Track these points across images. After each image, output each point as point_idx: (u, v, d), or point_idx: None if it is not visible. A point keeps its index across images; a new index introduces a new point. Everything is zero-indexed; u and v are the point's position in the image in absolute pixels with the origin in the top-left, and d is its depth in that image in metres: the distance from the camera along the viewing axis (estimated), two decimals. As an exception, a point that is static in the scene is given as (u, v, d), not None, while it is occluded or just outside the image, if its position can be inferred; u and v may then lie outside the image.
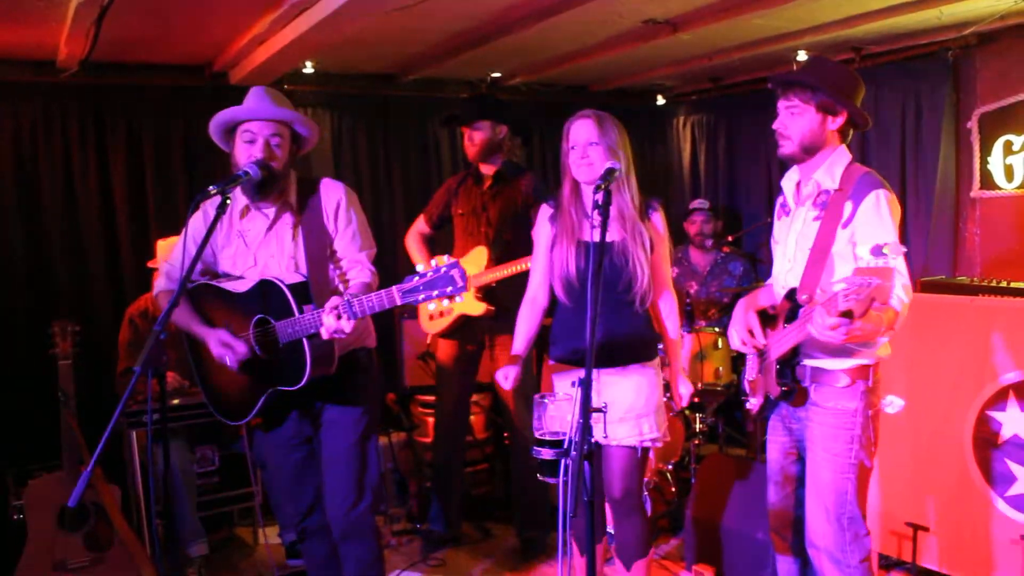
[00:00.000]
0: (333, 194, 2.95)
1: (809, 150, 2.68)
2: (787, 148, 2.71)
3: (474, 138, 4.19)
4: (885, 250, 2.38)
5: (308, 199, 2.93)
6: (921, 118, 5.05)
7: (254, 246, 2.93)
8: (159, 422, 2.46)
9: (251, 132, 2.82)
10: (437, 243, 4.45)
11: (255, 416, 2.94)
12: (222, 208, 2.58)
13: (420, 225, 4.40)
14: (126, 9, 3.57)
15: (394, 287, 2.59)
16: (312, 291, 2.79)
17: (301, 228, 2.89)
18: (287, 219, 2.92)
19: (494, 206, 4.19)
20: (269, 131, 2.81)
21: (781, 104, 2.70)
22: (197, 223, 2.91)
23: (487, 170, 4.25)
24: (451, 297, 2.55)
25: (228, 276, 2.99)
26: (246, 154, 2.81)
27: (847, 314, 2.20)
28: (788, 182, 2.84)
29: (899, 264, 2.48)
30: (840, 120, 2.66)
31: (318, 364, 2.76)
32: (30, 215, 4.67)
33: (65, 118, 4.72)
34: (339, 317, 2.58)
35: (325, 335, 2.63)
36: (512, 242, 4.15)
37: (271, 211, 2.92)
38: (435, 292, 2.52)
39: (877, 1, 4.01)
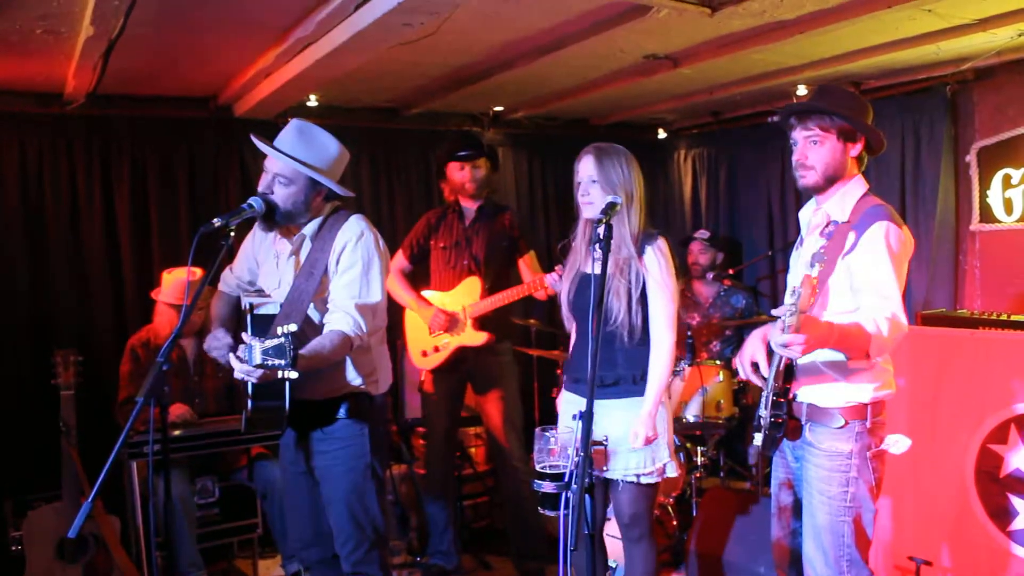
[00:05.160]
0: (346, 234, 2.87)
1: (832, 179, 2.63)
2: (810, 179, 2.64)
3: (478, 174, 4.27)
4: (815, 261, 2.41)
5: (327, 234, 2.89)
6: (920, 152, 5.08)
7: (282, 269, 2.97)
8: (160, 453, 2.47)
9: (266, 165, 2.86)
10: (414, 277, 4.44)
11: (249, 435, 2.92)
12: (226, 238, 2.60)
13: (399, 262, 4.37)
14: (133, 44, 3.61)
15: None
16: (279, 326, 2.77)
17: (305, 261, 2.90)
18: (304, 249, 2.93)
19: (478, 240, 4.27)
20: (277, 168, 2.83)
21: (799, 134, 2.64)
22: (249, 238, 3.11)
23: (470, 206, 4.33)
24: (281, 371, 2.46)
25: (260, 292, 3.03)
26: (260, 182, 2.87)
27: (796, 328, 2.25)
28: (804, 213, 2.81)
29: (889, 294, 2.46)
30: (859, 146, 2.63)
31: (260, 397, 2.75)
32: (35, 245, 4.68)
33: (71, 149, 4.75)
34: (241, 361, 2.53)
35: (235, 376, 2.60)
36: (500, 275, 4.25)
37: (292, 239, 2.94)
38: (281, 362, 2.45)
39: (876, 36, 4.05)
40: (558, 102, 5.42)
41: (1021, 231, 4.67)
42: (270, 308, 2.89)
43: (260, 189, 2.84)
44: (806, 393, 2.68)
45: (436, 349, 4.24)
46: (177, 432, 3.95)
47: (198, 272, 4.02)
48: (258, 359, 2.45)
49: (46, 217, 4.71)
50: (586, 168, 3.00)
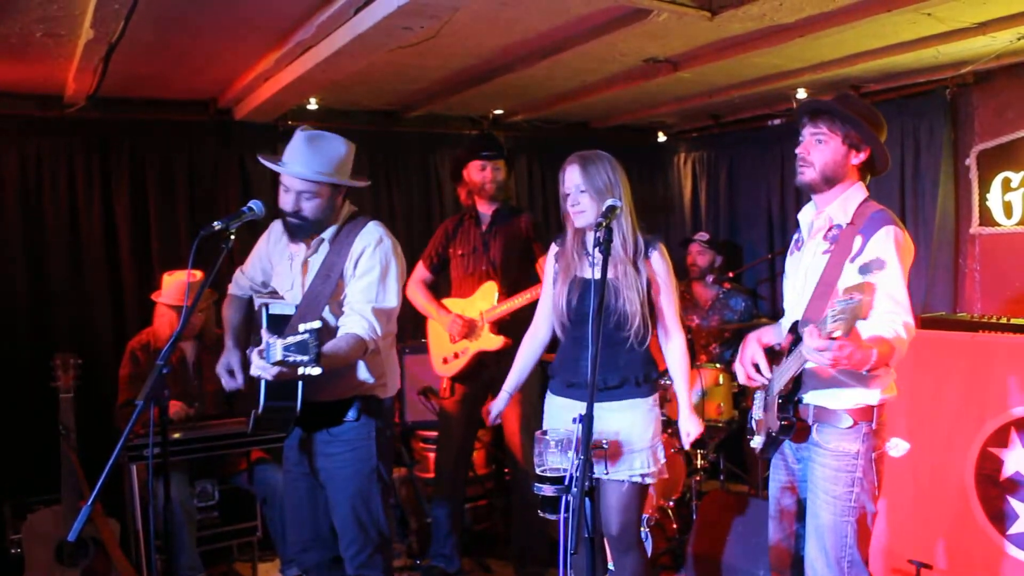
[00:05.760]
0: (364, 239, 2.91)
1: (829, 181, 2.66)
2: (808, 175, 2.68)
3: (499, 175, 4.28)
4: (873, 268, 2.40)
5: (345, 238, 2.92)
6: (920, 155, 5.09)
7: (296, 271, 2.98)
8: (159, 456, 2.46)
9: (286, 184, 2.87)
10: (434, 287, 4.45)
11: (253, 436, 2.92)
12: (226, 241, 2.61)
13: (421, 272, 4.40)
14: (134, 47, 3.61)
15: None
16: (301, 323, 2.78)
17: (321, 264, 2.91)
18: (321, 252, 2.94)
19: (495, 245, 4.26)
20: (300, 187, 2.84)
21: (807, 131, 2.68)
22: (263, 239, 3.12)
23: (486, 210, 4.32)
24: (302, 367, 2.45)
25: (274, 294, 3.04)
26: (281, 200, 2.88)
27: (835, 335, 2.19)
28: (804, 215, 2.82)
29: (902, 300, 2.48)
30: (863, 156, 2.66)
31: (273, 397, 2.75)
32: (34, 248, 4.68)
33: (71, 152, 4.74)
34: (261, 356, 2.53)
35: (251, 372, 2.61)
36: (517, 278, 4.23)
37: (310, 241, 2.96)
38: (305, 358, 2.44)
39: (876, 40, 4.05)
40: (558, 105, 5.42)
41: (1021, 234, 4.67)
42: (285, 308, 2.89)
43: (287, 208, 2.86)
44: (813, 396, 2.68)
45: (456, 356, 4.24)
46: (177, 435, 3.95)
47: (198, 274, 4.03)
48: (279, 355, 2.44)
49: (46, 220, 4.71)
50: (572, 177, 2.99)
